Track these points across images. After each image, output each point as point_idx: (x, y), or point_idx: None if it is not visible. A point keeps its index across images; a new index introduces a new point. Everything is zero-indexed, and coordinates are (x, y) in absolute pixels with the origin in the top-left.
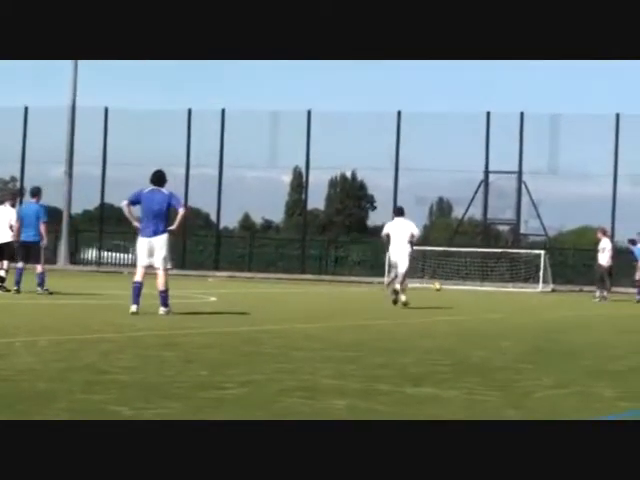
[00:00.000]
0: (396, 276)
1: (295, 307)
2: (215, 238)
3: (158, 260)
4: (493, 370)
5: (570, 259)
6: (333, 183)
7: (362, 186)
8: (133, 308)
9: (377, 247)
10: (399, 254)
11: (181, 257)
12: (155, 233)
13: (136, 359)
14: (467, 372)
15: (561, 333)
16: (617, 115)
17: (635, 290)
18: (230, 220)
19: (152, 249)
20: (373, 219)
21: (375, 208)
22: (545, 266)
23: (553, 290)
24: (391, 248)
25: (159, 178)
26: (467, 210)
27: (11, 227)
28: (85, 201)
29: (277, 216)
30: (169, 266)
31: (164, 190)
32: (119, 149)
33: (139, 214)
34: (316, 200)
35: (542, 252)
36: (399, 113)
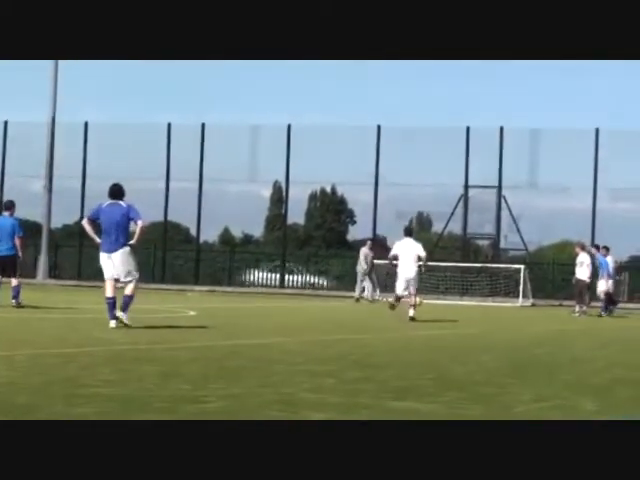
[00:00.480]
0: (408, 293)
1: (275, 321)
2: (195, 252)
3: (123, 276)
4: (474, 384)
5: (550, 274)
6: (313, 197)
7: (342, 201)
8: (112, 324)
9: (356, 261)
10: (410, 273)
11: (161, 271)
12: (115, 248)
13: (116, 373)
14: (448, 386)
15: (541, 347)
16: (596, 130)
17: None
18: (210, 234)
19: (114, 263)
20: (353, 233)
21: (355, 223)
22: (525, 281)
23: (533, 304)
24: (401, 268)
25: (117, 192)
26: (447, 225)
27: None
28: (65, 215)
29: (257, 230)
30: (137, 276)
31: (123, 203)
32: (99, 163)
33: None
34: (296, 214)
35: (522, 267)
36: (379, 127)
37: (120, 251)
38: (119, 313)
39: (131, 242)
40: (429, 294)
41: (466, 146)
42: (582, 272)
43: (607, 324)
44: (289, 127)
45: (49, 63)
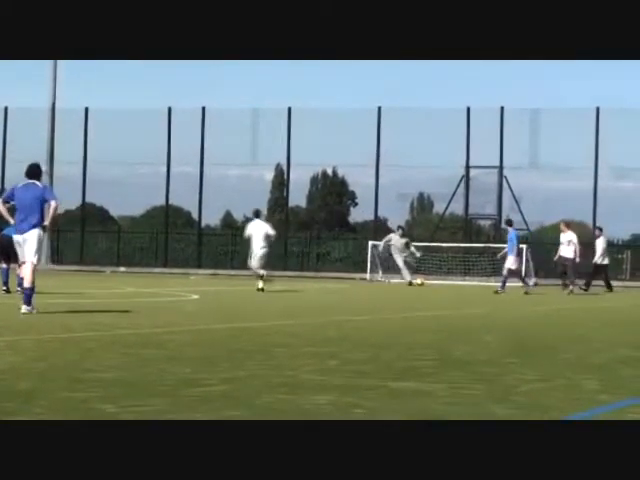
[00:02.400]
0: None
1: (277, 304)
2: (197, 236)
3: (27, 253)
4: (477, 364)
5: (552, 253)
6: (314, 180)
7: (343, 183)
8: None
9: (359, 243)
10: (259, 250)
11: (163, 255)
12: (26, 228)
13: (119, 357)
14: (451, 366)
15: (544, 327)
16: (597, 109)
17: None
18: (212, 218)
19: (22, 244)
20: (354, 216)
21: (356, 205)
22: (527, 260)
23: (536, 284)
24: (253, 246)
25: (33, 172)
26: (448, 205)
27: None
28: (66, 201)
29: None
30: (34, 261)
31: (38, 184)
32: (100, 149)
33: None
34: (298, 197)
35: (524, 246)
36: (379, 109)
37: (32, 231)
38: (24, 309)
39: (44, 223)
40: (432, 275)
41: (467, 127)
42: (567, 250)
43: (607, 303)
44: (289, 110)
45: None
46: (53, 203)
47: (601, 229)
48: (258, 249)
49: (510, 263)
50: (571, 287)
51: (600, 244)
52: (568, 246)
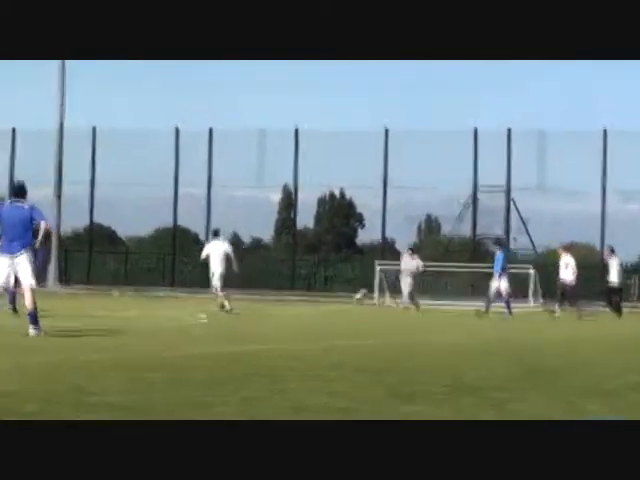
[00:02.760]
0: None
1: (284, 326)
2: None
3: (24, 279)
4: (484, 389)
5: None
6: (322, 201)
7: (351, 204)
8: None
9: (366, 265)
10: (218, 269)
11: (171, 277)
12: (17, 250)
13: (124, 381)
14: (458, 391)
15: (551, 351)
16: (604, 131)
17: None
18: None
19: (14, 267)
20: (362, 237)
21: (364, 226)
22: (535, 282)
23: (546, 308)
24: (212, 264)
25: (20, 190)
26: (456, 227)
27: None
28: (74, 221)
29: (266, 235)
30: (33, 284)
31: (25, 205)
32: (107, 169)
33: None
34: (305, 218)
35: (531, 269)
36: (386, 131)
37: (21, 257)
38: (31, 331)
39: (35, 243)
40: (439, 297)
41: (474, 148)
42: (566, 274)
43: (618, 329)
44: (296, 131)
45: (56, 70)
46: (43, 224)
47: (613, 250)
48: (217, 268)
49: (495, 284)
50: (558, 311)
51: (614, 265)
52: (566, 269)
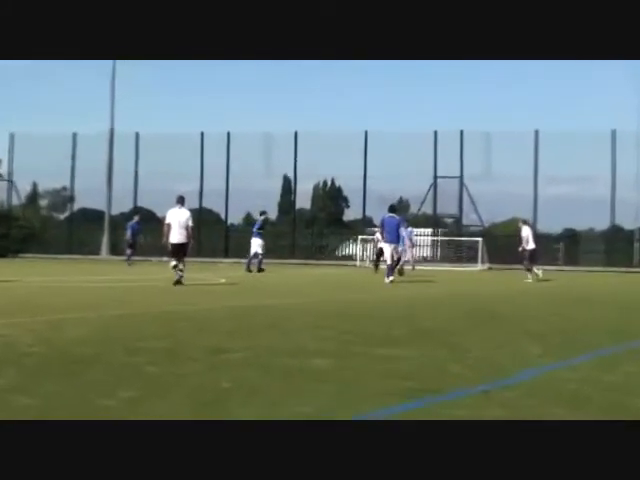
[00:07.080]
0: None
1: (287, 285)
2: (224, 232)
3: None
4: (440, 333)
5: (502, 244)
6: (317, 188)
7: (339, 189)
8: None
9: (351, 237)
10: (176, 238)
11: (197, 247)
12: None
13: (162, 329)
14: (421, 336)
15: (495, 303)
16: (536, 131)
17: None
18: (236, 218)
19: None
20: (347, 215)
21: (349, 206)
22: (482, 250)
23: (490, 268)
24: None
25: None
26: (421, 207)
27: (187, 228)
28: (121, 205)
29: (272, 214)
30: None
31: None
32: (147, 165)
33: None
34: (303, 201)
35: (480, 239)
36: (366, 133)
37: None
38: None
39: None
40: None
41: (434, 146)
42: (527, 242)
43: (541, 284)
44: (296, 133)
45: (107, 81)
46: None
47: (525, 220)
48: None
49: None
50: (534, 272)
51: (529, 233)
52: (526, 238)
